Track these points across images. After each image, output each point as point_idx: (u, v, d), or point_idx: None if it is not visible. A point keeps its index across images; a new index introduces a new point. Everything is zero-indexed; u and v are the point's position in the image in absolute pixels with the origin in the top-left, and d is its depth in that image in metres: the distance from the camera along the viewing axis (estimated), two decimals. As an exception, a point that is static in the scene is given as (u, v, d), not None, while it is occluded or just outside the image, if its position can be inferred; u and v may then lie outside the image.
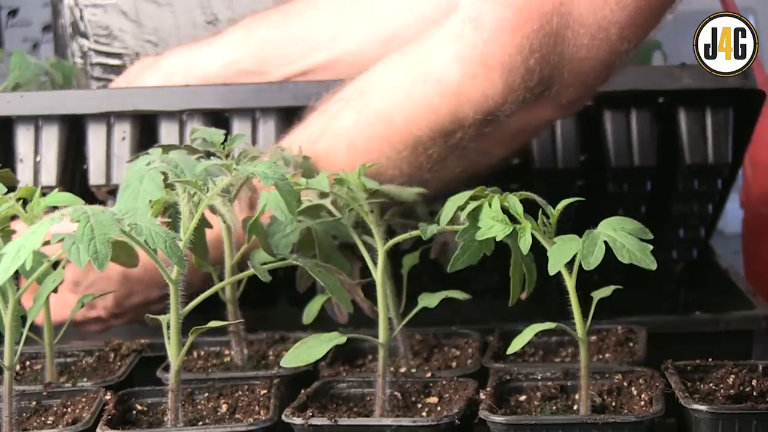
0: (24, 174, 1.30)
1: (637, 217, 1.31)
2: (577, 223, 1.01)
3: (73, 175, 1.32)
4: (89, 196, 1.30)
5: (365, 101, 1.11)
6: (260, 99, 1.29)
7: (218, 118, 1.29)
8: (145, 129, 1.30)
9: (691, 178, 1.34)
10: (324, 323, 1.12)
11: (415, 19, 1.31)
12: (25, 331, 0.97)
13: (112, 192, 1.30)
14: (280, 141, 1.18)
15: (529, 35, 1.02)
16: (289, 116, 1.25)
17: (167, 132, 1.30)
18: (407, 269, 1.13)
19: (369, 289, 1.04)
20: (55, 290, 1.00)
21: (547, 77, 1.05)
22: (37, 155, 1.30)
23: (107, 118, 1.30)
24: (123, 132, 1.30)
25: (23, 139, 1.30)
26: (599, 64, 1.05)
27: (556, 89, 1.06)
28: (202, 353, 1.14)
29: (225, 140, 1.08)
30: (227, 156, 1.08)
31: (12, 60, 1.45)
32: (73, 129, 1.31)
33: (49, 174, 1.30)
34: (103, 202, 1.30)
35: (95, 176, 1.30)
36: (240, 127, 1.29)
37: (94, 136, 1.30)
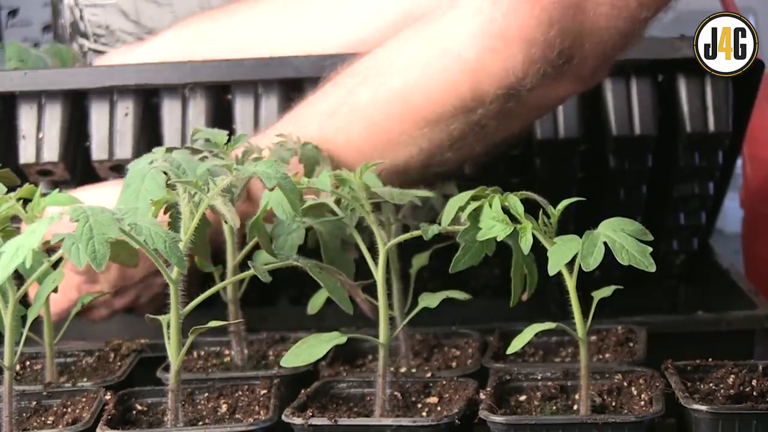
0: (26, 151, 1.30)
1: (639, 198, 1.33)
2: (578, 213, 1.00)
3: (75, 152, 1.32)
4: (91, 172, 1.31)
5: (382, 80, 1.10)
6: (262, 72, 1.29)
7: (220, 93, 1.30)
8: (148, 105, 1.31)
9: (692, 150, 1.33)
10: (325, 323, 1.12)
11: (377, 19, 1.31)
12: (25, 331, 0.97)
13: (115, 168, 1.30)
14: (293, 108, 1.17)
15: (547, 7, 1.01)
16: (291, 89, 1.25)
17: (170, 108, 1.30)
18: (416, 269, 1.12)
19: (371, 289, 1.04)
20: (55, 290, 1.00)
21: (567, 49, 1.03)
22: (40, 132, 1.30)
23: (110, 94, 1.30)
24: (126, 108, 1.30)
25: (26, 116, 1.30)
26: (618, 33, 1.03)
27: (577, 61, 1.04)
28: (202, 353, 1.14)
29: (228, 140, 1.09)
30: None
31: (9, 50, 1.44)
32: (76, 105, 1.31)
33: (52, 150, 1.30)
34: (104, 179, 1.30)
35: (98, 152, 1.30)
36: (242, 100, 1.30)
37: (97, 112, 1.30)
